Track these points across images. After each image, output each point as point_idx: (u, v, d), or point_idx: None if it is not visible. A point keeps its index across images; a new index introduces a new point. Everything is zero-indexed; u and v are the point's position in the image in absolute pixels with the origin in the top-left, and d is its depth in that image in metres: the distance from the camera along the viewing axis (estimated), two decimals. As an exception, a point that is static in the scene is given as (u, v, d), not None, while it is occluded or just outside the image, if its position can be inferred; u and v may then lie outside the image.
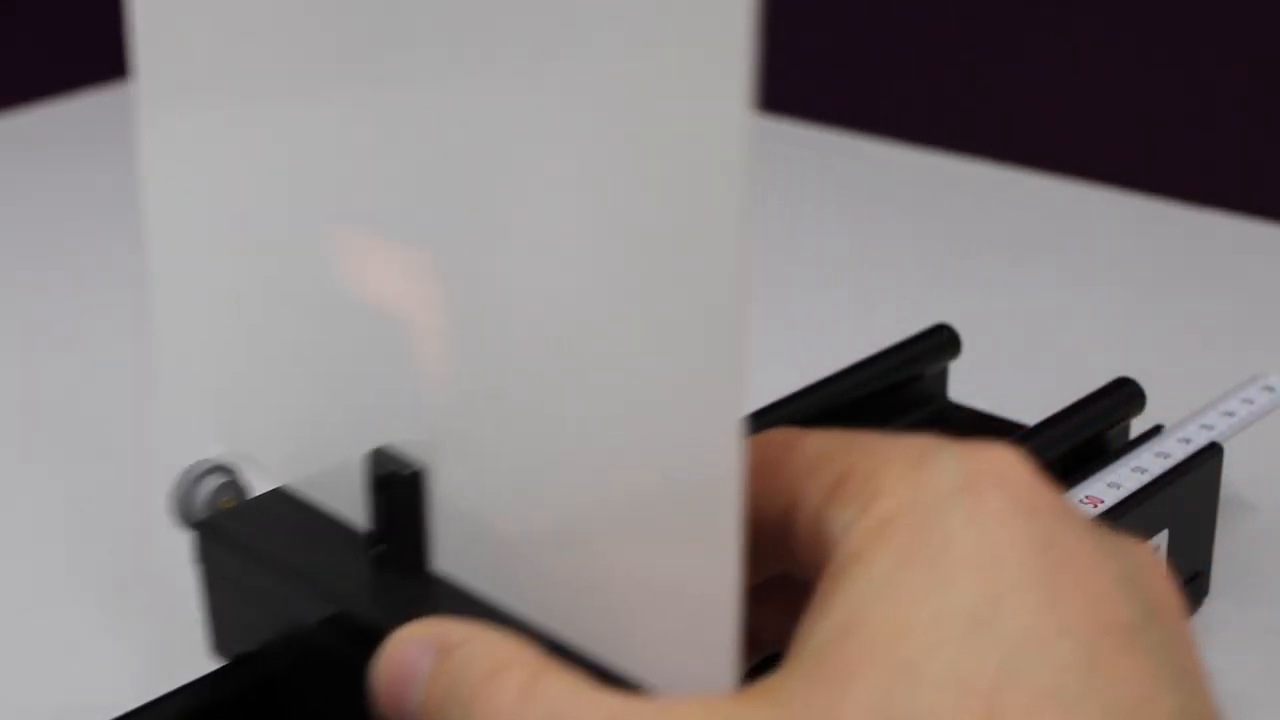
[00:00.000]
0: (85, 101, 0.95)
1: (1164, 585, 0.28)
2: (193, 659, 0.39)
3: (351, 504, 0.36)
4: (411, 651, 0.30)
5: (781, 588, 0.31)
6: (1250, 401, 0.48)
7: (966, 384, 0.52)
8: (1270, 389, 0.49)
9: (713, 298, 0.28)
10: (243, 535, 0.37)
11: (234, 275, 0.38)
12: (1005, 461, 0.27)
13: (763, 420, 0.46)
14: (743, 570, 0.28)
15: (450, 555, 0.35)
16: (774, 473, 0.30)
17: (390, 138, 0.33)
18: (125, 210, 0.80)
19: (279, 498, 0.38)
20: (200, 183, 0.38)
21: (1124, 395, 0.47)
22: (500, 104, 0.31)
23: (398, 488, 0.34)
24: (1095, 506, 0.42)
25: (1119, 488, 0.43)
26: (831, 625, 0.26)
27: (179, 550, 0.40)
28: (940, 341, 0.51)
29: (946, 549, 0.26)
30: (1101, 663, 0.25)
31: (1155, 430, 0.47)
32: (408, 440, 0.35)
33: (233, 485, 0.39)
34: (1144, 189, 0.81)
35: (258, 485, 0.39)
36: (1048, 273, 0.72)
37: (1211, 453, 0.45)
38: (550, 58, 0.30)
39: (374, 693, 0.31)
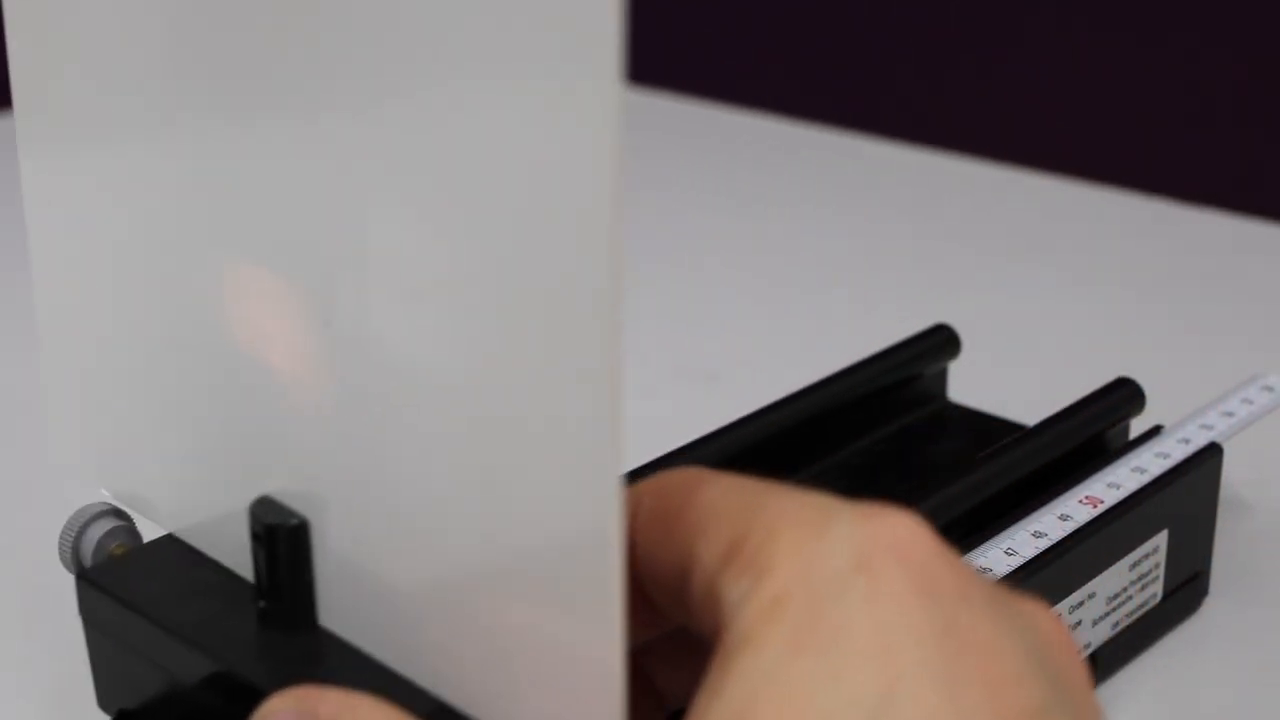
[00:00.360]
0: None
1: (1070, 657, 0.27)
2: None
3: (239, 554, 0.35)
4: (278, 717, 0.30)
5: (680, 640, 0.30)
6: (1250, 402, 0.48)
7: (966, 384, 0.52)
8: (1270, 389, 0.49)
9: (585, 354, 0.26)
10: (126, 587, 0.35)
11: (115, 317, 0.37)
12: (903, 533, 0.26)
13: (768, 420, 0.46)
14: (627, 630, 0.27)
15: (336, 611, 0.33)
16: (671, 524, 0.28)
17: (263, 178, 0.32)
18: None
19: (168, 545, 0.37)
20: (80, 224, 0.37)
21: (1124, 395, 0.47)
22: (367, 143, 0.30)
23: (281, 540, 0.33)
24: (1095, 506, 0.42)
25: (1118, 488, 0.43)
26: (725, 709, 0.25)
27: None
28: (940, 341, 0.51)
29: (840, 636, 0.25)
30: None
31: (1155, 430, 0.47)
32: (291, 491, 0.33)
33: (125, 530, 0.38)
34: (1144, 189, 0.81)
35: (149, 533, 0.38)
36: (1048, 273, 0.72)
37: (1211, 453, 0.45)
38: (409, 95, 0.29)
39: None
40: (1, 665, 0.45)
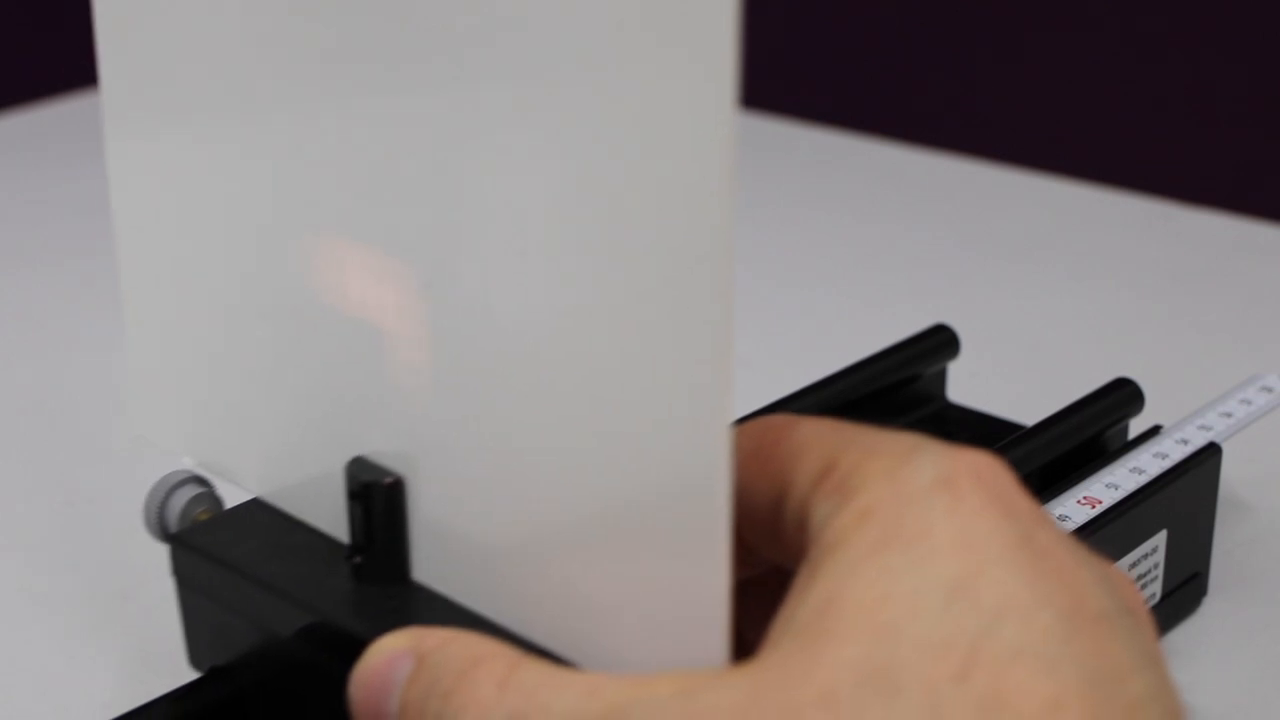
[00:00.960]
0: (85, 103, 0.95)
1: (1135, 594, 0.28)
2: (175, 670, 0.39)
3: (329, 515, 0.36)
4: (388, 660, 0.30)
5: (765, 585, 0.31)
6: (1249, 402, 0.48)
7: (965, 384, 0.52)
8: (1268, 390, 0.49)
9: (699, 300, 0.27)
10: (219, 547, 0.37)
11: (205, 287, 0.38)
12: (985, 464, 0.28)
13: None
14: (733, 572, 0.28)
15: (430, 565, 0.34)
16: (766, 458, 0.30)
17: (364, 147, 0.33)
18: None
19: (255, 509, 0.38)
20: (169, 196, 0.38)
21: (1123, 395, 0.47)
22: (476, 111, 0.31)
23: (377, 497, 0.34)
24: (1094, 507, 0.42)
25: (1117, 488, 0.43)
26: (810, 603, 0.26)
27: (159, 559, 0.39)
28: (939, 342, 0.51)
29: (922, 535, 0.26)
30: (1078, 635, 0.26)
31: (1154, 431, 0.47)
32: (385, 451, 0.34)
33: (208, 496, 0.39)
34: (1144, 189, 0.81)
35: (231, 497, 0.39)
36: (1047, 273, 0.72)
37: (1210, 453, 0.45)
38: (530, 66, 0.29)
39: (351, 701, 0.31)
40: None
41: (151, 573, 0.45)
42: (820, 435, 0.29)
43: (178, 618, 0.39)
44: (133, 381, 0.40)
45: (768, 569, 0.31)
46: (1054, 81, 1.37)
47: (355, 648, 0.31)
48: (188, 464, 0.39)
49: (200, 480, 0.39)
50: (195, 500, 0.38)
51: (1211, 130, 1.28)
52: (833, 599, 0.26)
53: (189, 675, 0.38)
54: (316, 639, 0.34)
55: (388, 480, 0.34)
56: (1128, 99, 1.33)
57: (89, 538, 0.52)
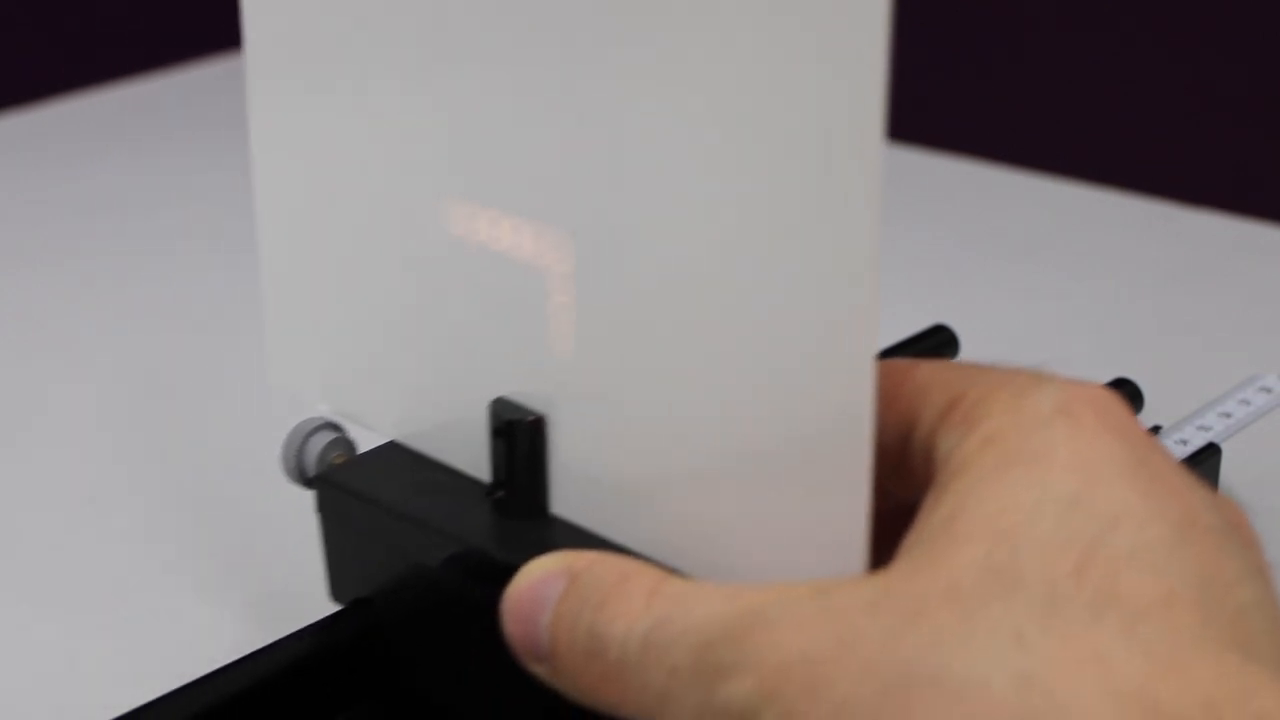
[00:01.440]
0: (86, 103, 0.95)
1: (1242, 518, 0.30)
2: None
3: (467, 455, 0.38)
4: (541, 579, 0.32)
5: (890, 521, 0.32)
6: (1248, 403, 0.48)
7: (965, 384, 0.52)
8: (1268, 390, 0.49)
9: (848, 236, 0.29)
10: (364, 484, 0.39)
11: (346, 240, 0.39)
12: (1103, 396, 0.30)
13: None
14: (873, 502, 0.30)
15: (568, 499, 0.36)
16: (891, 398, 0.32)
17: (509, 92, 0.35)
18: (120, 212, 0.80)
19: (393, 451, 0.40)
20: (311, 151, 0.39)
21: (1122, 396, 0.47)
22: (625, 48, 0.32)
23: (520, 434, 0.36)
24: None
25: (1117, 488, 0.43)
26: (936, 519, 0.28)
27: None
28: (939, 341, 0.51)
29: (1042, 454, 0.28)
30: (1189, 544, 0.27)
31: (1153, 431, 0.47)
32: (526, 392, 0.36)
33: (342, 441, 0.41)
34: (1144, 189, 0.81)
35: (362, 443, 0.41)
36: (1047, 273, 0.72)
37: (1209, 454, 0.45)
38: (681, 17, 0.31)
39: (504, 620, 0.32)
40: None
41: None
42: (943, 374, 0.31)
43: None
44: (270, 335, 0.42)
45: (892, 505, 0.32)
46: (1054, 81, 1.37)
47: (499, 574, 0.33)
48: (323, 411, 0.41)
49: (334, 426, 0.41)
50: (331, 445, 0.41)
51: (1211, 130, 1.28)
52: (957, 513, 0.28)
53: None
54: (461, 568, 0.36)
55: (530, 418, 0.36)
56: (1128, 99, 1.33)
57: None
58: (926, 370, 0.32)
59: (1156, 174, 0.94)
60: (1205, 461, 0.45)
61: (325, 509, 0.40)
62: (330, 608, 0.40)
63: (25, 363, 0.65)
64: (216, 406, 0.61)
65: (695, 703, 0.28)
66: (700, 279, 0.32)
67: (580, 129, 0.33)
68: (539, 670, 0.32)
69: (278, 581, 0.49)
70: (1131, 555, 0.27)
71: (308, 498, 0.40)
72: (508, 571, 0.33)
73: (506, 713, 0.37)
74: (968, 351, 0.51)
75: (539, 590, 0.32)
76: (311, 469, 0.41)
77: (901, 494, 0.32)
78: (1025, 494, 0.28)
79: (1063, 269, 0.73)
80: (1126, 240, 0.76)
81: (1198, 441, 0.46)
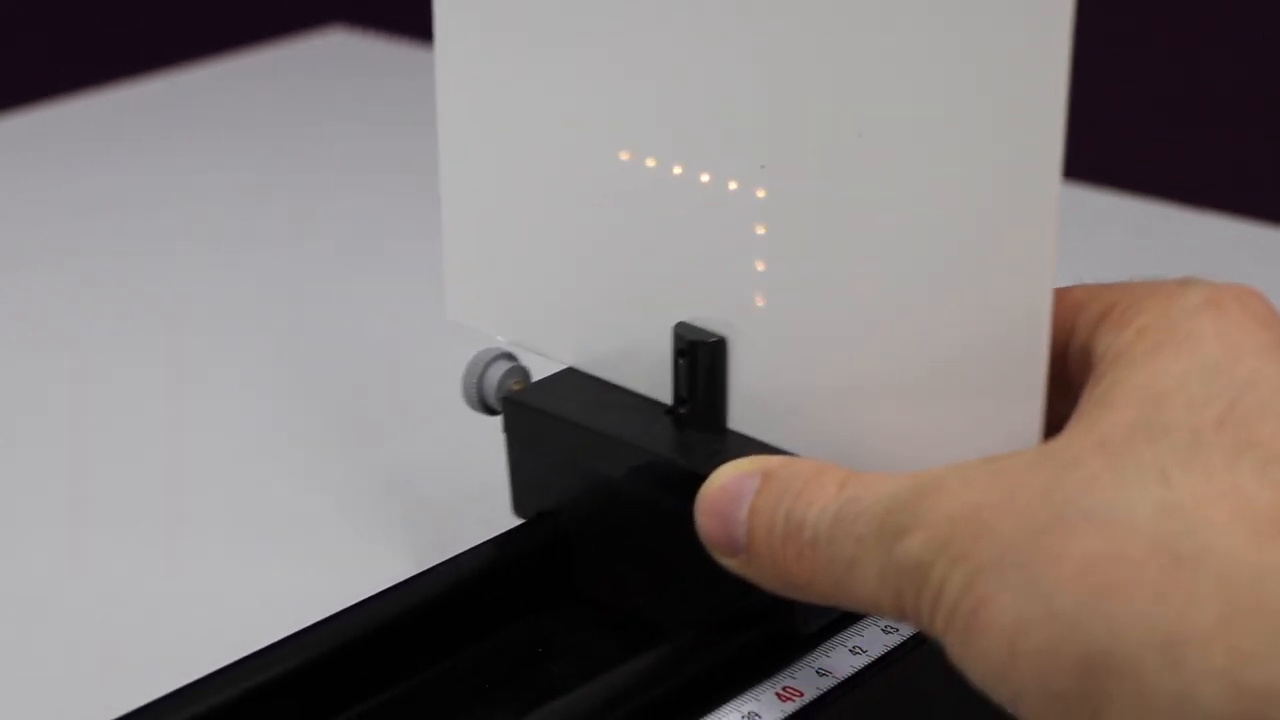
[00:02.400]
0: (85, 103, 0.95)
1: None
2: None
3: (644, 377, 0.41)
4: (737, 477, 0.35)
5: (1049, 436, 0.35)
6: (1248, 403, 0.48)
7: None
8: (1268, 390, 0.49)
9: (1032, 160, 0.32)
10: (549, 404, 0.42)
11: (528, 176, 0.42)
12: (1248, 292, 0.33)
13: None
14: (1045, 409, 0.33)
15: (745, 414, 0.39)
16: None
17: (698, 27, 0.37)
18: (120, 212, 0.80)
19: (571, 375, 0.43)
20: (494, 88, 0.42)
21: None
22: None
23: (702, 354, 0.39)
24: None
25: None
26: (1091, 398, 0.32)
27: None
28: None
29: (1190, 337, 0.32)
30: None
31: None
32: (705, 317, 0.39)
33: (519, 370, 0.44)
34: (1144, 189, 0.81)
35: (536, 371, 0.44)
36: (1047, 273, 0.72)
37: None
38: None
39: (699, 517, 0.35)
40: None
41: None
42: (1097, 290, 0.35)
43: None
44: (449, 273, 0.45)
45: (1054, 420, 0.34)
46: (1054, 81, 1.37)
47: (682, 483, 0.37)
48: (500, 342, 0.44)
49: (510, 356, 0.44)
50: (509, 373, 0.44)
51: (1211, 130, 1.28)
52: (1111, 388, 0.31)
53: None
54: (646, 477, 0.39)
55: (712, 339, 0.39)
56: (1128, 99, 1.33)
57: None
58: (1080, 289, 0.35)
59: (1156, 174, 0.94)
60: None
61: (512, 429, 0.43)
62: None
63: (25, 363, 0.65)
64: (216, 406, 0.61)
65: (878, 565, 0.32)
66: (886, 207, 0.34)
67: (772, 65, 0.36)
68: (731, 563, 0.35)
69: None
70: (1265, 410, 0.30)
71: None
72: (691, 479, 0.36)
73: (683, 613, 0.39)
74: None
75: (736, 486, 0.35)
76: (491, 396, 0.44)
77: (1059, 409, 0.34)
78: (1173, 365, 0.31)
79: (1062, 269, 0.72)
80: (1126, 240, 0.76)
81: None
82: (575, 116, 0.40)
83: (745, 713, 0.36)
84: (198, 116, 0.93)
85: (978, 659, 0.30)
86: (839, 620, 0.39)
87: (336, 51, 1.04)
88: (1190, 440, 0.30)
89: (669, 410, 0.40)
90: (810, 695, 0.36)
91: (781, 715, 0.36)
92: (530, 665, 0.41)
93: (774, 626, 0.38)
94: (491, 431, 0.44)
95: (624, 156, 0.40)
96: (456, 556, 0.42)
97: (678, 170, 0.39)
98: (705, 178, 0.38)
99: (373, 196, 0.81)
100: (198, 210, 0.80)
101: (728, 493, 0.35)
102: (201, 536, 0.52)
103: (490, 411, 0.44)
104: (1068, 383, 0.34)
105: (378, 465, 0.56)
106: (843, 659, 0.38)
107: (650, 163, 0.39)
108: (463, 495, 0.53)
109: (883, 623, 0.39)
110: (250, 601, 0.49)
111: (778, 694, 0.36)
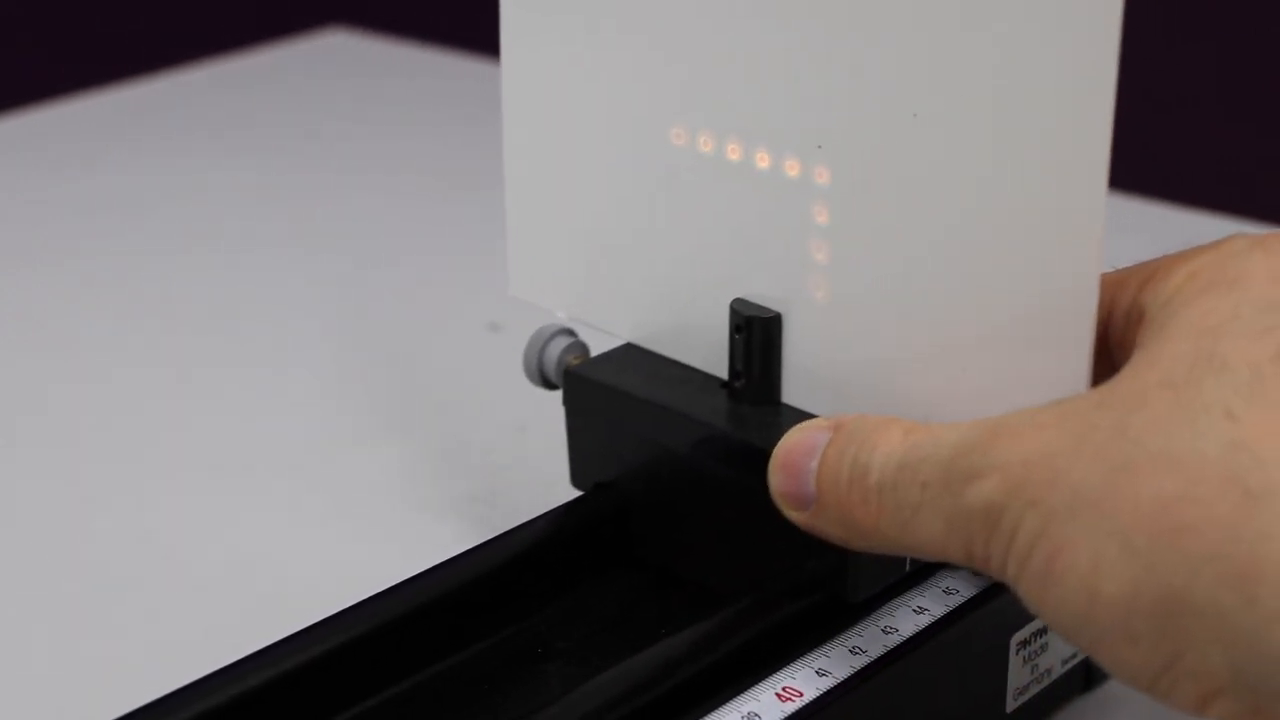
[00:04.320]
0: (85, 103, 0.95)
1: None
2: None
3: (700, 352, 0.42)
4: (809, 432, 0.36)
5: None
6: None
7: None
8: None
9: (1082, 138, 0.34)
10: (610, 377, 0.43)
11: (591, 155, 0.43)
12: None
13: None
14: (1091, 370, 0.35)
15: (798, 388, 0.40)
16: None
17: (763, 8, 0.38)
18: (120, 212, 0.80)
19: (629, 350, 0.44)
20: (557, 71, 0.43)
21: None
22: None
23: (757, 329, 0.40)
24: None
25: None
26: (1148, 335, 0.32)
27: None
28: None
29: (1240, 277, 0.32)
30: None
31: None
32: (761, 294, 0.40)
33: (578, 345, 0.45)
34: (1144, 189, 0.81)
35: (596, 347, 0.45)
36: (1047, 273, 0.72)
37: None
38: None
39: (771, 475, 0.36)
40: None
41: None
42: (1131, 268, 0.35)
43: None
44: (512, 250, 0.46)
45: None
46: (1054, 81, 1.37)
47: (738, 453, 0.39)
48: (560, 318, 0.45)
49: (569, 331, 0.45)
50: (569, 348, 0.45)
51: (1211, 130, 1.28)
52: (1166, 324, 0.32)
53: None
54: (704, 448, 0.41)
55: (767, 315, 0.40)
56: (1128, 99, 1.33)
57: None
58: (1113, 272, 0.36)
59: (1156, 174, 0.94)
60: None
61: (572, 401, 0.44)
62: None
63: (25, 363, 0.65)
64: (215, 406, 0.61)
65: (946, 510, 0.32)
66: (944, 176, 0.36)
67: (832, 50, 0.37)
68: (799, 517, 0.36)
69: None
70: None
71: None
72: (745, 450, 0.38)
73: (737, 580, 0.40)
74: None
75: (809, 441, 0.35)
76: (551, 370, 0.45)
77: (1103, 371, 0.35)
78: (1225, 300, 0.32)
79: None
80: (1126, 240, 0.76)
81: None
82: (634, 95, 0.42)
83: (745, 713, 0.36)
84: (198, 117, 0.93)
85: (1057, 606, 0.30)
86: (860, 605, 0.39)
87: (336, 52, 1.04)
88: (1251, 376, 0.30)
89: (724, 384, 0.42)
90: (810, 695, 0.36)
91: (781, 715, 0.36)
92: (530, 665, 0.40)
93: (825, 594, 0.39)
94: (492, 431, 0.44)
95: (682, 134, 0.41)
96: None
97: (735, 149, 0.40)
98: (762, 158, 0.39)
99: (373, 197, 0.81)
100: (198, 210, 0.80)
101: (802, 446, 0.36)
102: (201, 536, 0.52)
103: (550, 386, 0.45)
104: (1110, 351, 0.35)
105: (378, 465, 0.56)
106: (842, 659, 0.38)
107: (707, 142, 0.41)
108: (465, 496, 0.53)
109: (882, 623, 0.39)
110: (250, 601, 0.49)
111: (777, 694, 0.36)
